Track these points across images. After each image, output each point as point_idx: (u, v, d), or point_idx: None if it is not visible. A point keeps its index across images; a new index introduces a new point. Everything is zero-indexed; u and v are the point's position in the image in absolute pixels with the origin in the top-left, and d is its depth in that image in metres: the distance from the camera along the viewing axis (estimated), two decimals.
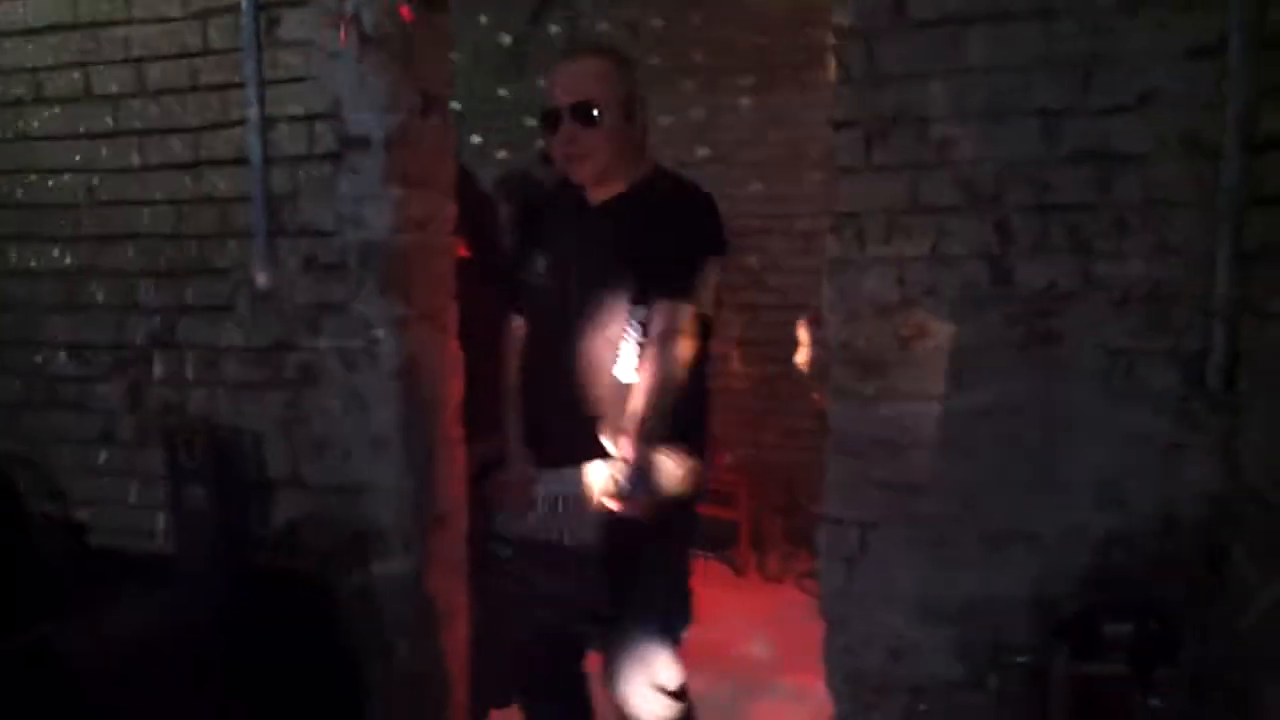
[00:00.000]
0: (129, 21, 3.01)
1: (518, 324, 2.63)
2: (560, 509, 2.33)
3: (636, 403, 2.24)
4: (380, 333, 2.83)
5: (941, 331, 2.37)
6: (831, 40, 2.44)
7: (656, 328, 2.28)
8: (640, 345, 2.27)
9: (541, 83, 2.95)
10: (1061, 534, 2.31)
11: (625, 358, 2.29)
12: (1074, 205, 2.26)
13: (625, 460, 2.20)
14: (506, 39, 6.27)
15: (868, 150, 2.39)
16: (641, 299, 2.30)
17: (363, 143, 2.81)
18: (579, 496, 2.28)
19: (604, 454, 2.32)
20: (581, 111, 2.29)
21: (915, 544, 2.42)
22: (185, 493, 2.79)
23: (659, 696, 2.53)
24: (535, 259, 2.51)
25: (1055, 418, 2.31)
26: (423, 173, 2.93)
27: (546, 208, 2.53)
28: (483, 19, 6.35)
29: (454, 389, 3.07)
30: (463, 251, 3.12)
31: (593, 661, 2.71)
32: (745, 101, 5.84)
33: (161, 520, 3.06)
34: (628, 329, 2.29)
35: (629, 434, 2.23)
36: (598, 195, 2.42)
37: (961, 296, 2.36)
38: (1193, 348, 2.20)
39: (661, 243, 2.33)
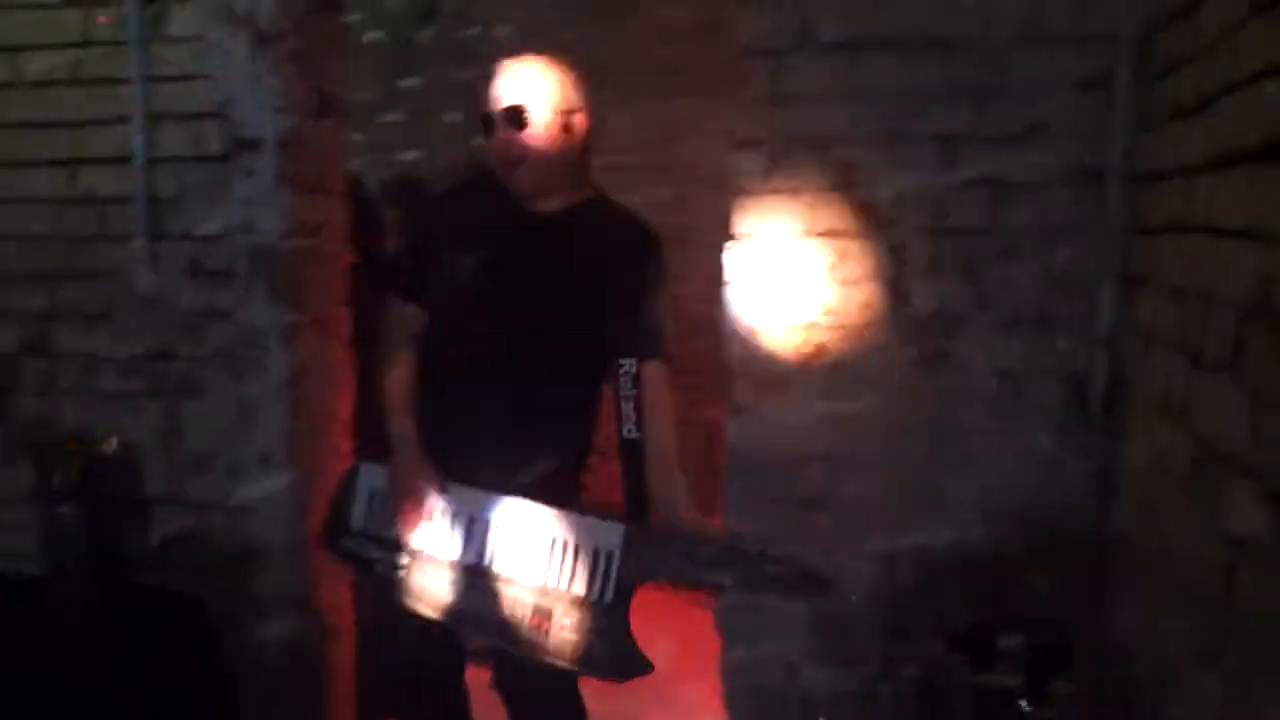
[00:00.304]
0: (6, 7, 2.86)
1: (409, 313, 2.53)
2: (487, 533, 2.25)
3: (673, 480, 2.19)
4: (269, 341, 2.75)
5: (838, 350, 2.41)
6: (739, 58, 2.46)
7: (653, 394, 2.22)
8: (632, 403, 2.23)
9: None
10: (949, 547, 2.37)
11: (625, 415, 2.23)
12: (968, 230, 2.33)
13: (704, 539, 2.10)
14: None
15: (769, 171, 2.42)
16: (626, 350, 2.27)
17: (255, 144, 2.72)
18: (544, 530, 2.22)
19: (551, 490, 2.28)
20: (515, 116, 2.25)
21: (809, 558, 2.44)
22: (55, 512, 2.64)
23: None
24: (458, 254, 2.40)
25: (945, 434, 2.37)
26: (316, 176, 2.86)
27: (465, 204, 2.44)
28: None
29: (344, 399, 3.00)
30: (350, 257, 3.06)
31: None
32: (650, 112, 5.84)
33: (29, 541, 2.90)
34: (620, 383, 2.23)
35: (685, 511, 2.16)
36: (539, 205, 2.36)
37: (859, 317, 2.40)
38: (1076, 370, 2.29)
39: (642, 294, 2.28)
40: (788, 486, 2.45)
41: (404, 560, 2.32)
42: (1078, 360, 2.29)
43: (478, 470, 2.32)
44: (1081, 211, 2.26)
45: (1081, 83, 2.25)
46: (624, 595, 2.09)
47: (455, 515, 2.29)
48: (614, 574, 2.09)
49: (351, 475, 2.46)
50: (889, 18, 2.34)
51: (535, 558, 2.19)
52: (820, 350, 2.43)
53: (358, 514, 2.40)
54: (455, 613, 2.29)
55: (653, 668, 2.07)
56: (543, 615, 2.16)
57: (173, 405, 2.83)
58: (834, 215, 2.40)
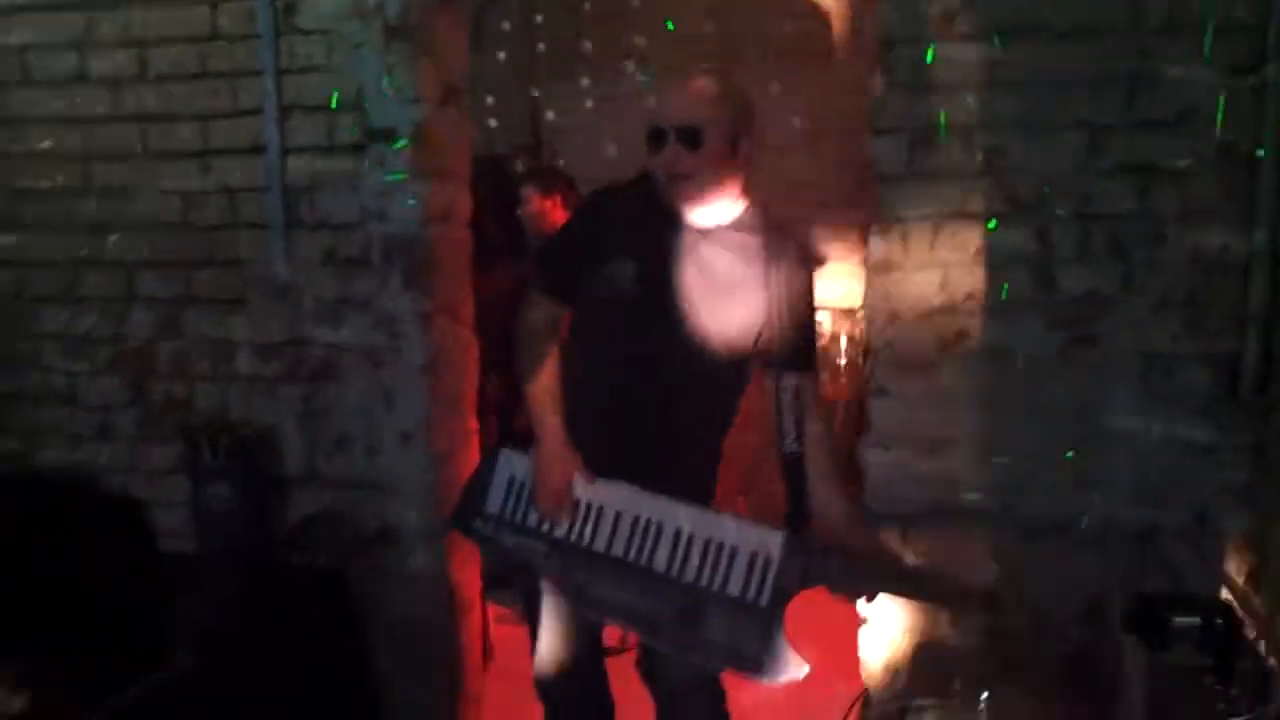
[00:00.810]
0: (134, 3, 2.90)
1: (557, 311, 2.48)
2: (636, 528, 2.30)
3: (835, 493, 2.23)
4: (407, 328, 2.81)
5: (982, 334, 2.45)
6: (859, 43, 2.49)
7: (811, 408, 2.26)
8: (794, 418, 2.28)
9: None
10: (1100, 529, 2.43)
11: (786, 430, 2.28)
12: (1115, 215, 2.36)
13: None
14: None
15: (911, 157, 2.45)
16: (787, 364, 2.29)
17: (388, 135, 2.76)
18: (700, 533, 2.22)
19: (689, 493, 2.31)
20: (691, 135, 2.27)
21: (952, 535, 2.51)
22: (209, 491, 2.72)
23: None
24: (615, 261, 2.44)
25: (1093, 417, 2.42)
26: (445, 164, 2.90)
27: (625, 210, 2.47)
28: None
29: (471, 383, 3.06)
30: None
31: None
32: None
33: (171, 518, 2.99)
34: (781, 398, 2.28)
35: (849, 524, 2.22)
36: (698, 219, 2.39)
37: (1004, 301, 2.44)
38: (1226, 351, 2.33)
39: (799, 310, 2.32)
40: (931, 467, 2.51)
41: (544, 548, 2.37)
42: (1227, 341, 2.33)
43: (618, 470, 2.35)
44: (1229, 194, 2.30)
45: (1230, 68, 2.27)
46: (779, 599, 2.12)
47: (602, 508, 2.31)
48: (770, 578, 2.13)
49: (491, 459, 2.48)
50: (1032, 6, 2.36)
51: (689, 557, 2.21)
52: (964, 334, 2.47)
53: (494, 498, 2.43)
54: (600, 604, 2.33)
55: (806, 669, 2.11)
56: (693, 613, 2.19)
57: (310, 389, 2.90)
58: (979, 200, 2.43)
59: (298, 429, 2.91)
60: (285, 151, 2.83)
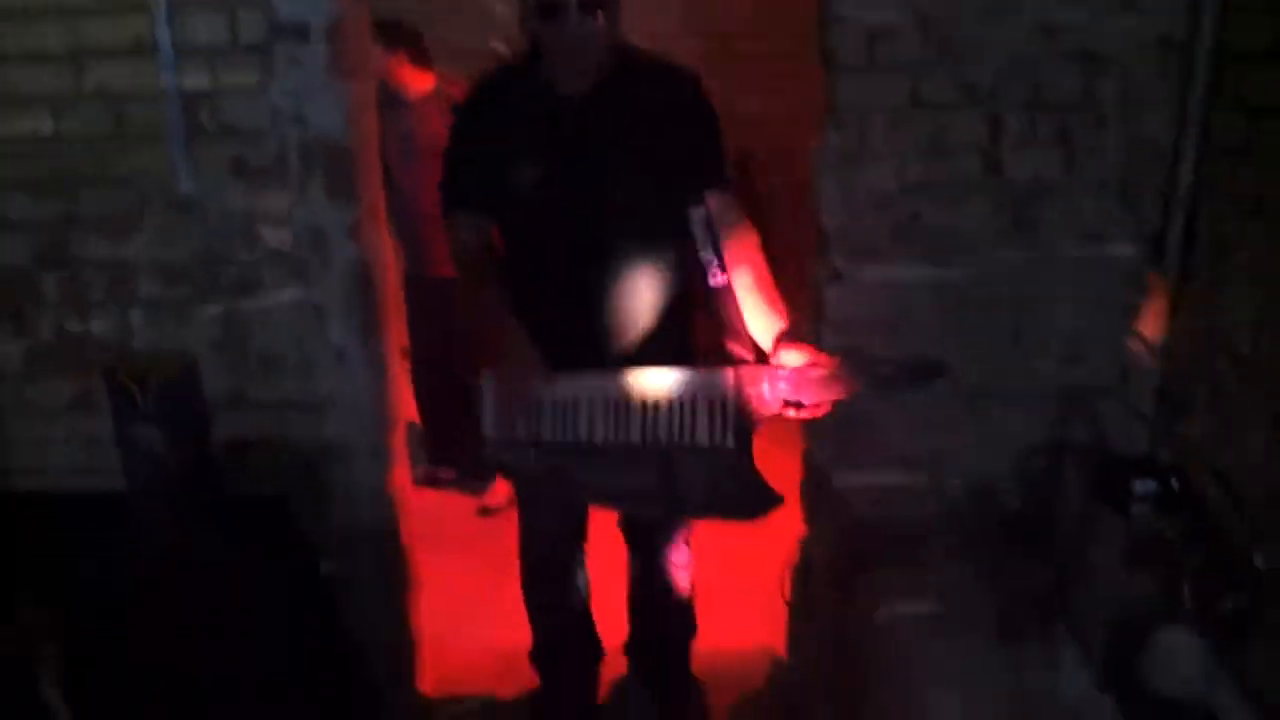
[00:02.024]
0: None
1: (478, 222, 2.44)
2: (604, 409, 2.28)
3: (766, 298, 2.25)
4: (333, 238, 2.63)
5: (934, 219, 2.55)
6: None
7: (726, 224, 2.28)
8: (710, 248, 2.24)
9: None
10: (1032, 391, 2.65)
11: (706, 263, 2.25)
12: (1061, 104, 2.47)
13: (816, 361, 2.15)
14: None
15: (869, 49, 2.46)
16: (690, 196, 2.28)
17: (300, 31, 2.50)
18: (697, 395, 2.18)
19: (665, 352, 2.35)
20: (593, 3, 2.17)
21: (900, 408, 2.66)
22: (135, 433, 2.51)
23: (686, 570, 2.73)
24: (515, 152, 2.35)
25: (1031, 289, 2.59)
26: (356, 60, 2.67)
27: (505, 101, 2.35)
28: None
29: (396, 289, 2.93)
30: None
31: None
32: None
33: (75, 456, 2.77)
34: (694, 230, 2.25)
35: (786, 335, 2.22)
36: (570, 88, 2.30)
37: (954, 187, 2.54)
38: (1153, 228, 2.53)
39: (693, 133, 2.32)
40: (885, 348, 2.62)
41: (530, 453, 2.36)
42: (1154, 220, 2.52)
43: (586, 355, 2.35)
44: (1166, 84, 2.44)
45: None
46: (742, 436, 2.16)
47: (574, 401, 2.29)
48: (730, 418, 2.16)
49: (477, 390, 2.40)
50: None
51: (657, 422, 2.21)
52: (916, 218, 2.56)
53: (488, 424, 2.38)
54: (591, 491, 2.39)
55: (783, 500, 2.20)
56: (672, 474, 2.22)
57: (228, 310, 2.69)
58: (933, 90, 2.48)
59: (216, 353, 2.71)
60: (178, 53, 2.52)
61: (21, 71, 2.57)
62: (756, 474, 2.18)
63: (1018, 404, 2.66)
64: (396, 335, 2.94)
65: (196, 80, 2.54)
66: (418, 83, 3.94)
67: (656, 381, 2.23)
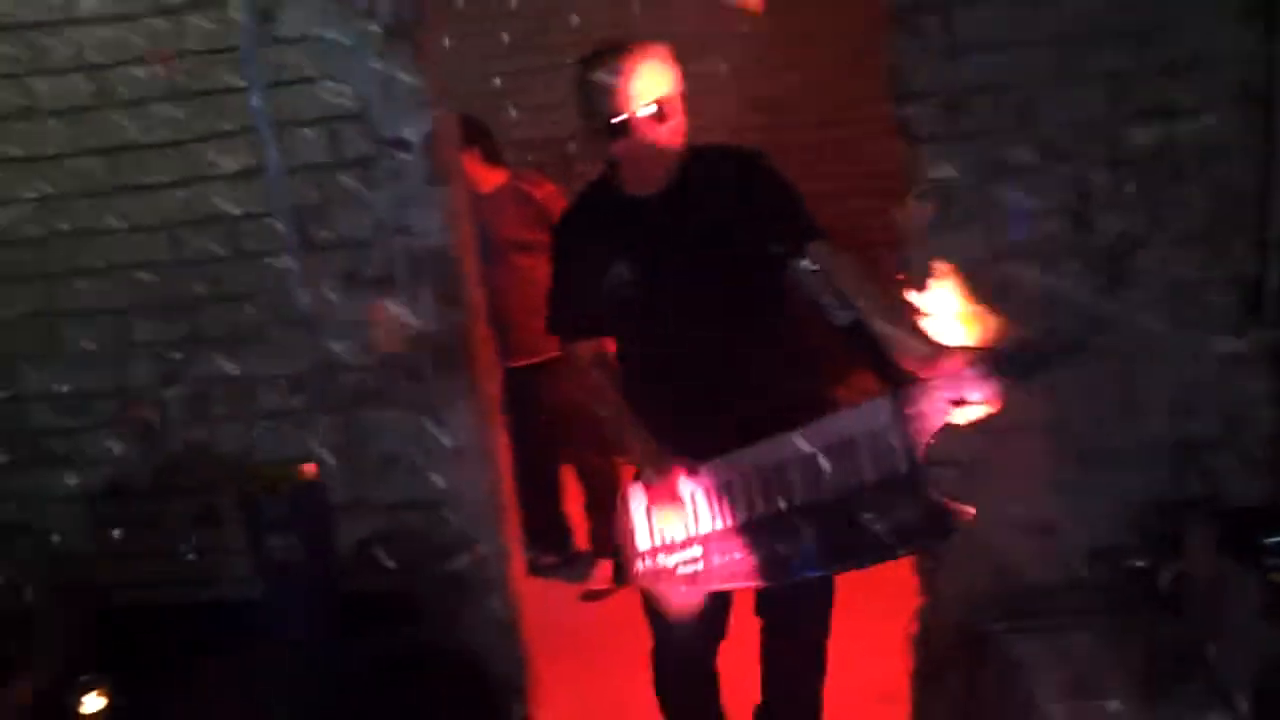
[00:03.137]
0: (83, 22, 2.63)
1: (591, 346, 2.48)
2: (756, 483, 2.30)
3: (897, 313, 2.24)
4: (445, 341, 2.73)
5: (1032, 282, 2.59)
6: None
7: (833, 265, 2.27)
8: (823, 289, 2.27)
9: None
10: (1143, 447, 2.65)
11: (827, 307, 2.27)
12: (1141, 159, 2.51)
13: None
14: None
15: (946, 119, 2.53)
16: (793, 250, 2.29)
17: (401, 144, 2.64)
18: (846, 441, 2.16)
19: (807, 411, 2.28)
20: (660, 112, 2.24)
21: (1013, 473, 2.68)
22: (270, 541, 2.60)
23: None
24: (612, 269, 2.41)
25: (1131, 345, 2.61)
26: (451, 167, 2.79)
27: (593, 221, 2.42)
28: None
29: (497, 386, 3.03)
30: None
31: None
32: None
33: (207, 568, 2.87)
34: (805, 281, 2.28)
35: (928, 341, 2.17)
36: (647, 190, 2.38)
37: (1046, 247, 2.58)
38: (1249, 274, 2.54)
39: (770, 206, 2.34)
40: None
41: (699, 550, 2.33)
42: (1250, 266, 2.54)
43: (724, 436, 2.33)
44: (1247, 132, 2.47)
45: (1241, 11, 2.43)
46: (912, 459, 2.11)
47: (716, 487, 2.30)
48: (896, 444, 2.12)
49: (624, 502, 2.42)
50: None
51: (819, 474, 2.18)
52: (1009, 284, 2.59)
53: (642, 537, 2.38)
54: (756, 569, 2.30)
55: (972, 513, 2.12)
56: (848, 520, 2.16)
57: (347, 416, 2.80)
58: (1015, 155, 2.54)
59: (338, 458, 2.81)
60: (285, 171, 2.66)
61: (139, 200, 2.73)
62: (933, 495, 2.13)
63: (1133, 462, 2.66)
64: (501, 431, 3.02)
65: (305, 196, 2.68)
66: (490, 178, 4.05)
67: (805, 434, 2.21)
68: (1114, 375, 2.62)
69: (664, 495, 2.32)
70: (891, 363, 2.19)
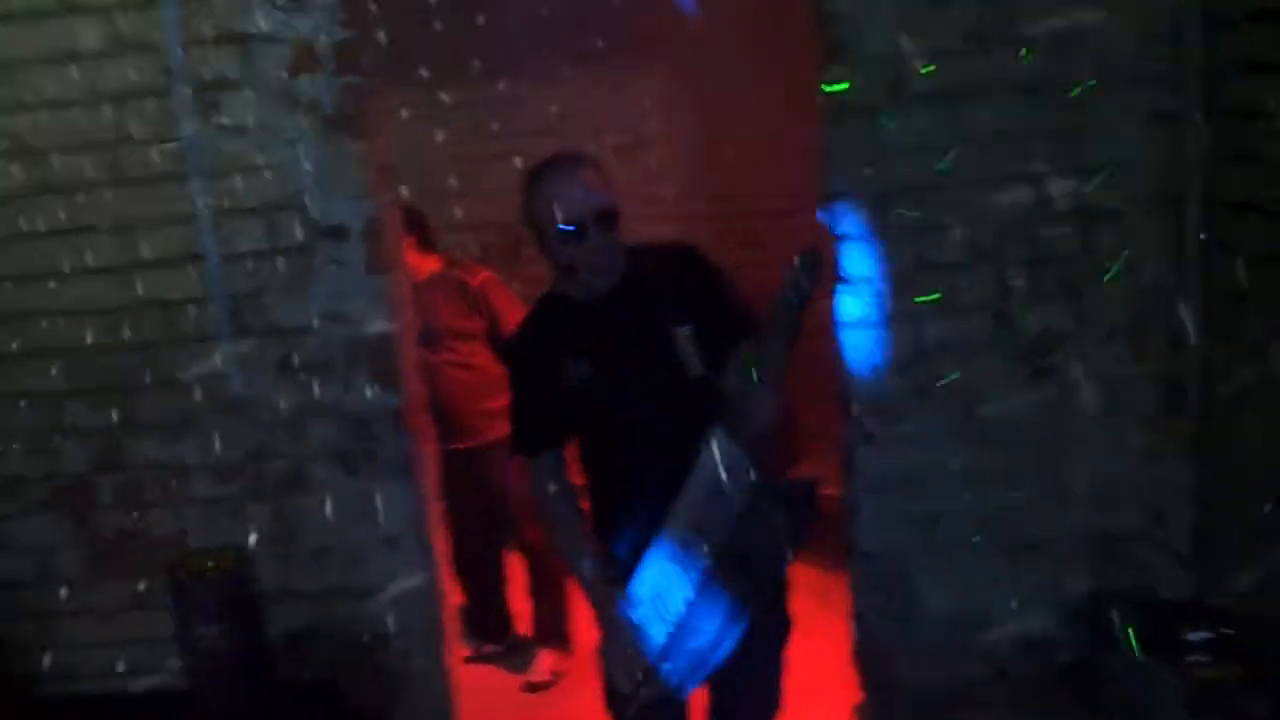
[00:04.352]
0: (27, 108, 2.66)
1: (552, 460, 2.44)
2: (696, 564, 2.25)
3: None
4: (380, 429, 2.73)
5: (954, 375, 2.65)
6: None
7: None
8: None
9: None
10: (1069, 540, 2.70)
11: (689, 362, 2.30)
12: (1062, 257, 2.60)
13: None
14: None
15: (874, 218, 2.60)
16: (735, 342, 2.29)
17: (339, 232, 2.67)
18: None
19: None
20: (606, 218, 2.32)
21: (943, 565, 2.71)
22: (198, 630, 2.57)
23: None
24: (569, 381, 2.46)
25: (1054, 439, 2.67)
26: (393, 254, 2.82)
27: (550, 333, 2.45)
28: None
29: (435, 472, 3.02)
30: None
31: None
32: None
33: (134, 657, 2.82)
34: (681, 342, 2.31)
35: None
36: (595, 292, 2.43)
37: (969, 344, 2.64)
38: (1169, 371, 2.62)
39: (709, 292, 2.39)
40: (918, 502, 2.69)
41: (661, 678, 2.32)
42: (1169, 363, 2.61)
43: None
44: (1162, 233, 2.57)
45: (1153, 117, 2.54)
46: (755, 467, 2.19)
47: (649, 599, 2.30)
48: (745, 471, 2.18)
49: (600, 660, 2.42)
50: (976, 68, 2.54)
51: (737, 534, 2.22)
52: (936, 377, 2.65)
53: (620, 682, 2.35)
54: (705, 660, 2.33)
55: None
56: (747, 558, 2.23)
57: (279, 504, 2.79)
58: (940, 253, 2.61)
59: (269, 546, 2.79)
60: (224, 258, 2.68)
61: (78, 283, 2.72)
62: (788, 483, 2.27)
63: (1057, 554, 2.72)
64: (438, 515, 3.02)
65: (242, 284, 2.69)
66: (424, 265, 4.06)
67: (689, 518, 2.25)
68: (1038, 467, 2.68)
69: (619, 636, 2.32)
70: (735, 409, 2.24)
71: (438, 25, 5.14)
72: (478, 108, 5.35)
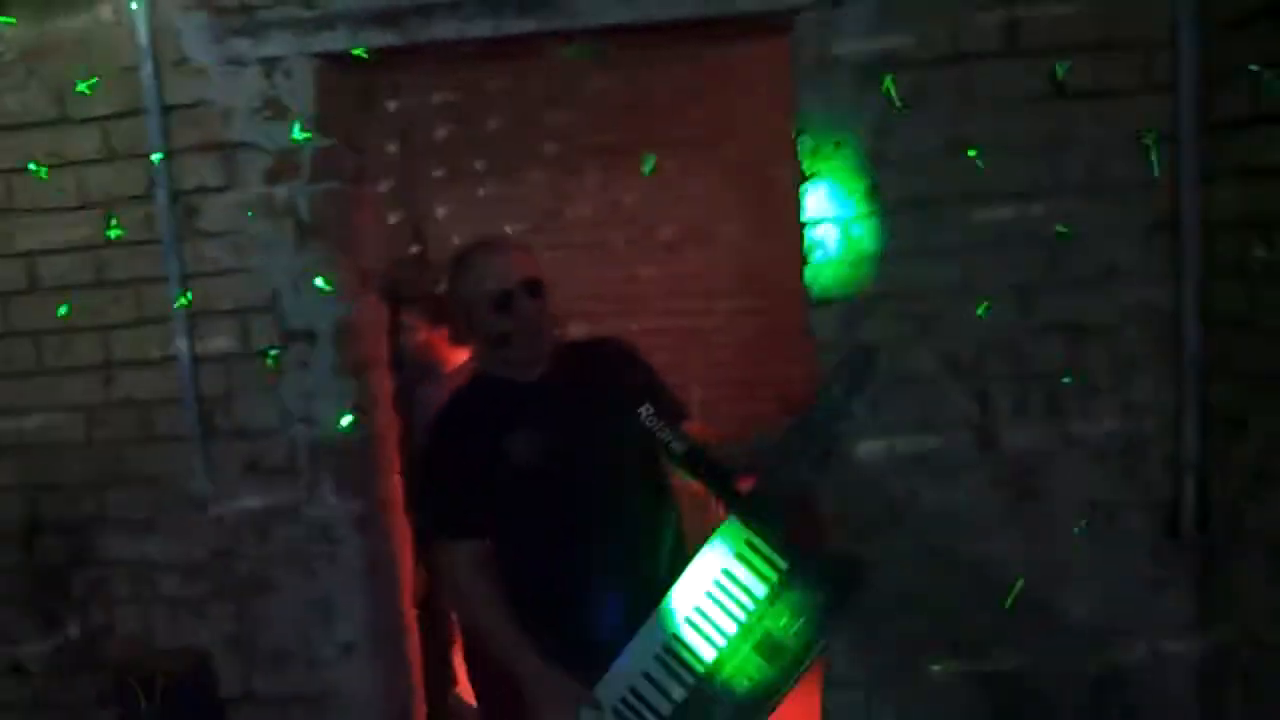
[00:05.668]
0: (15, 211, 2.74)
1: (475, 546, 2.35)
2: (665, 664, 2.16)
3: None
4: (342, 532, 2.69)
5: (932, 494, 2.49)
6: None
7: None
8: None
9: None
10: (1062, 674, 2.48)
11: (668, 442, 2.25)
12: (1049, 373, 2.44)
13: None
14: None
15: (849, 325, 2.48)
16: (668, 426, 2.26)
17: (308, 336, 2.66)
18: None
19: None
20: (534, 285, 2.30)
21: (920, 698, 2.52)
22: None
23: None
24: (497, 466, 2.39)
25: (1042, 568, 2.47)
26: (369, 355, 2.81)
27: (477, 414, 2.44)
28: None
29: (409, 578, 2.97)
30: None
31: None
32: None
33: None
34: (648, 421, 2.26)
35: None
36: (526, 376, 2.39)
37: (949, 462, 2.48)
38: (1164, 497, 2.42)
39: (639, 385, 2.37)
40: (896, 631, 2.52)
41: None
42: (1164, 488, 2.42)
43: (617, 620, 2.25)
44: (1156, 347, 2.40)
45: (1148, 227, 2.39)
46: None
47: (625, 695, 2.17)
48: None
49: None
50: (959, 173, 2.42)
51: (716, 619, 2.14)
52: (913, 495, 2.50)
53: None
54: None
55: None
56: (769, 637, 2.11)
57: (240, 606, 2.75)
58: (918, 365, 2.48)
59: (230, 649, 2.75)
60: (196, 359, 2.70)
61: (59, 381, 2.77)
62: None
63: (1052, 696, 2.50)
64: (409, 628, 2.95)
65: (212, 385, 2.71)
66: (453, 358, 4.06)
67: (685, 586, 2.17)
68: (1025, 601, 2.48)
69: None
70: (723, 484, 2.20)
71: (491, 124, 5.34)
72: (524, 202, 5.44)
